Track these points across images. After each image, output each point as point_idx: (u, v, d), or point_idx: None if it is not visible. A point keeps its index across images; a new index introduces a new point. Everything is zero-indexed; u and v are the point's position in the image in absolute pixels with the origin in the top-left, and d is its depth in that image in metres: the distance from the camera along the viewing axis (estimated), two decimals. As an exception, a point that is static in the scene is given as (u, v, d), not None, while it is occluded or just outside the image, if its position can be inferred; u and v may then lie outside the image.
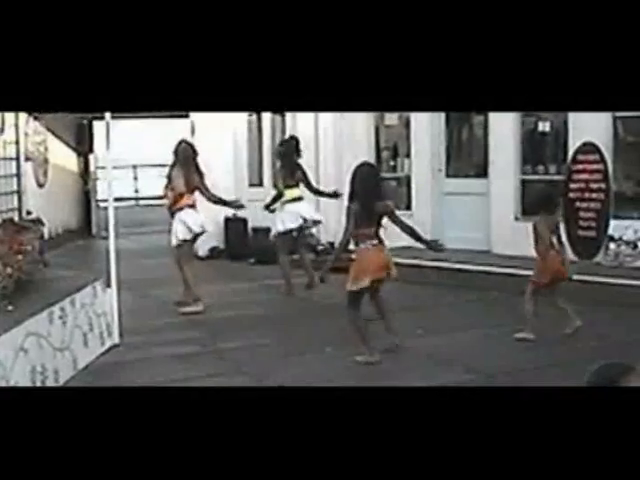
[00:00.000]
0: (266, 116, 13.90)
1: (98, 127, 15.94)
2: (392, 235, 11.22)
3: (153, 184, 17.95)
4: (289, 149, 10.27)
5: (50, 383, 6.13)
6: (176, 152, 9.22)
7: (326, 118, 13.43)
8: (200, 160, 9.39)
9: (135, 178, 25.94)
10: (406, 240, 12.07)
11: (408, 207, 12.70)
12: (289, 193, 10.00)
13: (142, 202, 23.71)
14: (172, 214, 9.18)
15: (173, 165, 9.26)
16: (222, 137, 13.30)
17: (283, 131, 14.24)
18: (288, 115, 13.99)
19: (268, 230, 10.55)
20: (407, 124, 12.62)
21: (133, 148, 19.56)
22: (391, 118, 13.09)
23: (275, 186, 10.50)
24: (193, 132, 13.54)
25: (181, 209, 9.07)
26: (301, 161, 10.28)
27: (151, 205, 19.41)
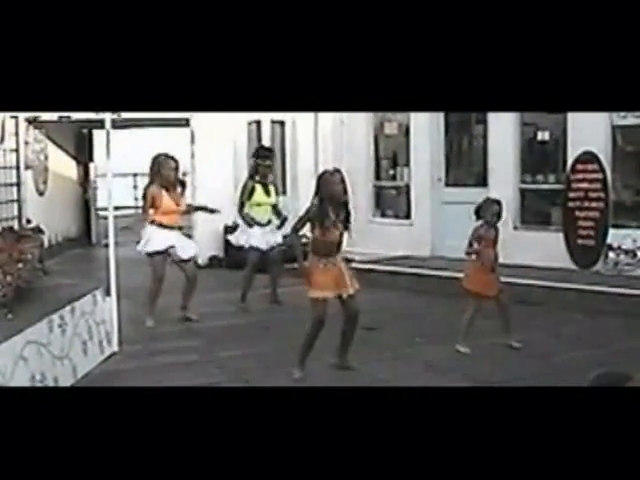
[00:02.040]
0: (266, 124, 13.92)
1: (98, 136, 15.96)
2: (392, 244, 11.19)
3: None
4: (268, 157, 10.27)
5: (49, 391, 6.14)
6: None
7: (325, 126, 13.45)
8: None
9: (135, 187, 25.91)
10: (405, 249, 12.14)
11: (407, 216, 12.73)
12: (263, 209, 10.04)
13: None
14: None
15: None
16: (222, 145, 13.30)
17: (283, 139, 14.26)
18: (288, 123, 14.02)
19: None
20: (406, 133, 12.65)
21: (133, 157, 19.54)
22: (390, 127, 13.12)
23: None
24: (193, 140, 13.56)
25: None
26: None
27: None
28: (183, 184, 9.29)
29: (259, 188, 9.99)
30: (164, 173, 8.93)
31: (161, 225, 8.96)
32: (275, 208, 10.14)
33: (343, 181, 6.84)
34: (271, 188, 10.13)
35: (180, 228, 9.19)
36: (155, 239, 8.95)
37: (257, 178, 10.01)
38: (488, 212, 7.75)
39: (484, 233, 7.72)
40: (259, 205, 9.99)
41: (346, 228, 6.90)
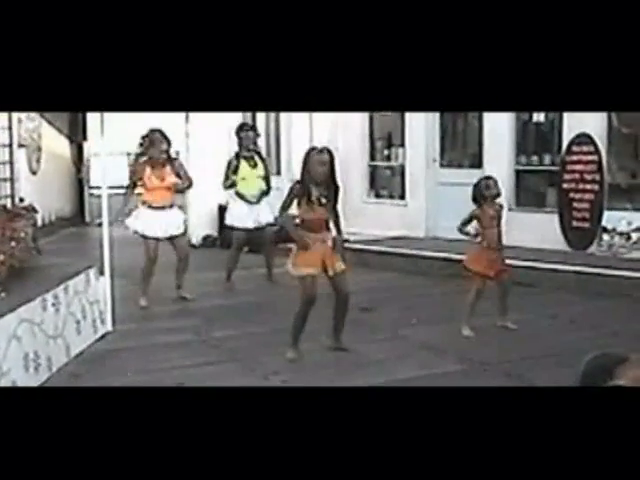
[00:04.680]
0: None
1: (92, 115, 15.89)
2: (386, 225, 11.21)
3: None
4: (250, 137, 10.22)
5: (43, 370, 6.13)
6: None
7: (320, 107, 13.39)
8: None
9: (129, 166, 25.86)
10: (399, 229, 12.13)
11: (402, 197, 12.72)
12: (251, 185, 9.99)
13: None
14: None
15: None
16: (216, 125, 13.24)
17: (277, 121, 14.22)
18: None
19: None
20: (402, 114, 12.60)
21: (127, 136, 19.52)
22: (386, 107, 13.07)
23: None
24: (187, 120, 13.51)
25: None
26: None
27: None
28: (171, 160, 9.17)
29: (244, 162, 9.94)
30: (153, 152, 8.90)
31: (150, 206, 8.93)
32: (266, 180, 10.10)
33: (331, 161, 6.67)
34: (257, 160, 10.07)
35: (171, 206, 9.08)
36: (143, 220, 8.91)
37: (243, 153, 9.98)
38: (480, 189, 7.61)
39: (479, 212, 7.62)
40: (244, 179, 9.95)
41: (333, 205, 6.79)
